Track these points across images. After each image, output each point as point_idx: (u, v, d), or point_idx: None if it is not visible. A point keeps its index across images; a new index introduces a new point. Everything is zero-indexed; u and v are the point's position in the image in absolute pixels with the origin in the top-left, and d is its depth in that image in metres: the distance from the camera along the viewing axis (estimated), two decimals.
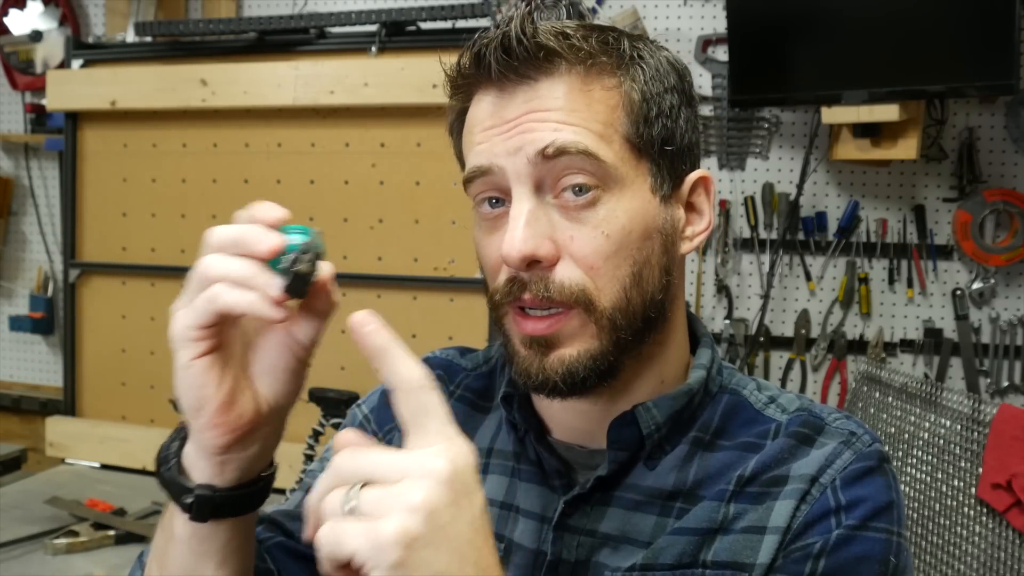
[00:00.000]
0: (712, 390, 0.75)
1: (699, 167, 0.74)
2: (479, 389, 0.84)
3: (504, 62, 0.66)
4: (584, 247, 0.67)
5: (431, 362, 0.88)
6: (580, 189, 0.66)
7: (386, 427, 0.84)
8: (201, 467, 0.60)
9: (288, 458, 2.16)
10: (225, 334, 0.58)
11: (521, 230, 0.65)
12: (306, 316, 0.59)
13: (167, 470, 0.61)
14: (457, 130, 0.75)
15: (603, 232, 0.67)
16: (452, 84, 0.73)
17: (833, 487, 0.67)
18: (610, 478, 0.72)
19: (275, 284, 0.55)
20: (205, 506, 0.60)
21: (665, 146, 0.70)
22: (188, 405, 0.58)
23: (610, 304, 0.67)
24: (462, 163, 0.74)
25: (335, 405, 1.93)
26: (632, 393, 0.72)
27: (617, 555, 0.70)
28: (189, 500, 0.59)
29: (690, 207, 0.74)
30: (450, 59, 0.73)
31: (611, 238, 0.67)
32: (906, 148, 2.01)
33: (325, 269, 0.57)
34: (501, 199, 0.69)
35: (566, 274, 0.66)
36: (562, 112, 0.66)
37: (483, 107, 0.70)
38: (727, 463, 0.71)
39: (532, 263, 0.66)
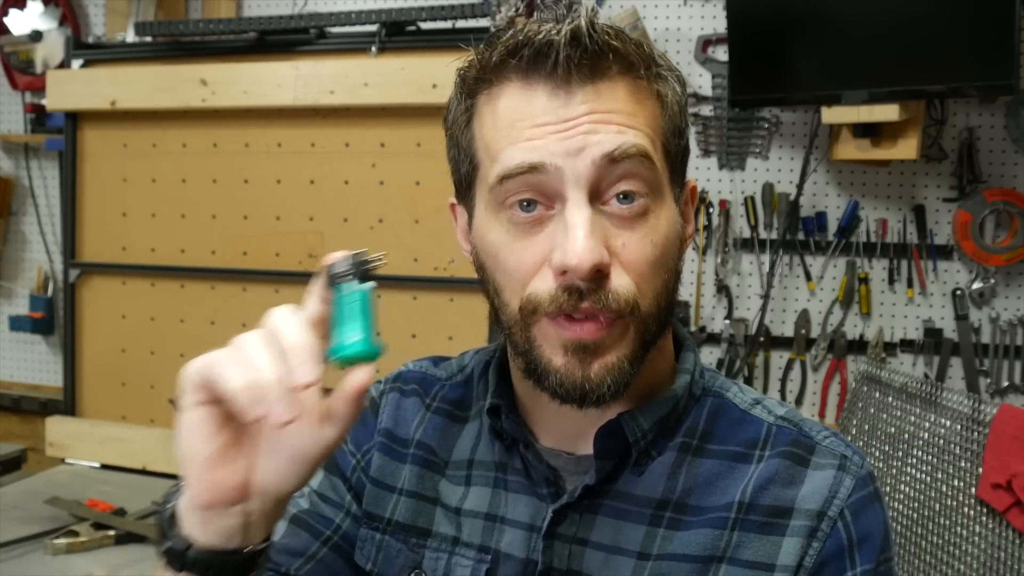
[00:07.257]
0: (696, 393, 0.75)
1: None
2: (455, 399, 0.83)
3: (575, 59, 0.64)
4: (634, 255, 0.65)
5: (405, 376, 0.85)
6: (633, 195, 0.65)
7: (363, 447, 0.82)
8: (187, 520, 0.59)
9: None
10: None
11: (586, 239, 0.62)
12: (328, 420, 0.58)
13: (161, 513, 0.62)
14: (465, 123, 0.70)
15: (651, 240, 0.66)
16: (478, 74, 0.68)
17: (843, 519, 0.68)
18: (597, 485, 0.71)
19: (281, 406, 0.53)
20: (175, 558, 0.59)
21: (683, 156, 0.71)
22: (180, 451, 0.58)
23: (648, 311, 0.67)
24: (467, 156, 0.70)
25: None
26: (624, 398, 0.71)
27: (608, 565, 0.70)
28: (165, 547, 0.60)
29: (681, 215, 0.74)
30: (474, 51, 0.69)
31: (657, 247, 0.66)
32: (906, 148, 2.01)
33: (361, 376, 0.57)
34: (536, 202, 0.65)
35: (619, 283, 0.65)
36: (623, 115, 0.65)
37: (536, 102, 0.65)
38: (716, 472, 0.71)
39: (595, 272, 0.64)
